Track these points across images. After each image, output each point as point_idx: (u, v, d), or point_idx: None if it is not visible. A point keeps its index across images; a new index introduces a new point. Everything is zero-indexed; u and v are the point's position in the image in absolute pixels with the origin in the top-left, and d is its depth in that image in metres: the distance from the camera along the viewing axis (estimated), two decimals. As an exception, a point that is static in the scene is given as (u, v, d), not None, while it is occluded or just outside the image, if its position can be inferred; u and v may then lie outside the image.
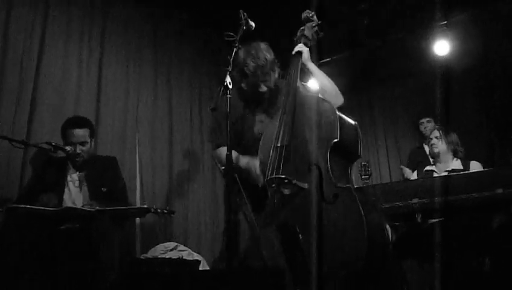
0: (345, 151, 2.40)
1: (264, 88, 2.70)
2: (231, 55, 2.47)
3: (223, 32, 2.57)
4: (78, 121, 3.38)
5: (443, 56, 5.19)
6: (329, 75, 5.77)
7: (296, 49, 2.73)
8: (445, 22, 5.09)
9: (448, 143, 3.81)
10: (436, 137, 3.87)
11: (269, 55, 2.66)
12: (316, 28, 2.84)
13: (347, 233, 2.11)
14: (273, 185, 2.31)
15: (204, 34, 5.30)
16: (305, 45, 2.77)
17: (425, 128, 4.98)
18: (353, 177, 2.55)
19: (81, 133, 3.30)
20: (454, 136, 3.86)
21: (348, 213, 2.15)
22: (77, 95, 4.03)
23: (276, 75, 2.75)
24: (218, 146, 2.78)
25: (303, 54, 2.70)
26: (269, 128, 2.57)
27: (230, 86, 2.32)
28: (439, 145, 3.82)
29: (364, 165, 4.11)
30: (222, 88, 2.31)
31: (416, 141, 5.86)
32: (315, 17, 2.85)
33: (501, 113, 5.14)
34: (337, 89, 2.76)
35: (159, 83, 4.82)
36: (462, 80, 5.64)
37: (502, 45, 5.15)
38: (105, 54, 4.34)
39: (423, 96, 5.95)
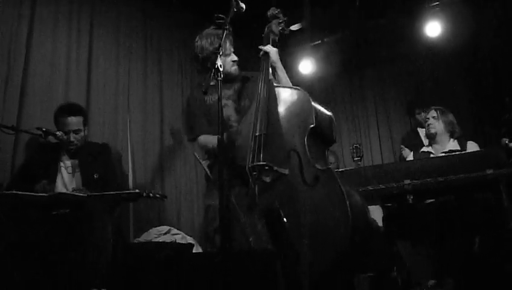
0: (322, 135, 2.49)
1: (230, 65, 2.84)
2: (221, 37, 2.46)
3: (214, 14, 2.56)
4: (72, 109, 3.34)
5: (434, 37, 5.18)
6: (321, 57, 5.77)
7: (264, 49, 2.76)
8: (437, 3, 5.08)
9: (445, 123, 3.79)
10: (433, 117, 3.84)
11: (205, 43, 2.84)
12: (283, 24, 2.89)
13: (331, 212, 2.16)
14: (254, 173, 2.35)
15: (195, 17, 5.25)
16: (273, 41, 2.82)
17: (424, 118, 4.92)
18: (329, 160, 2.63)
19: (74, 121, 3.28)
20: (451, 116, 3.84)
21: (330, 193, 2.20)
22: (67, 80, 3.99)
23: (233, 58, 2.88)
24: (196, 134, 2.86)
25: (271, 55, 2.75)
26: (245, 120, 2.63)
27: (221, 69, 2.32)
28: (436, 125, 3.80)
29: (356, 146, 4.12)
30: (213, 71, 2.31)
31: (407, 123, 5.89)
32: (281, 14, 2.90)
33: (491, 94, 5.15)
34: None
35: (150, 66, 4.78)
36: (453, 61, 5.65)
37: (493, 25, 5.15)
38: (94, 38, 4.29)
39: (414, 77, 5.96)
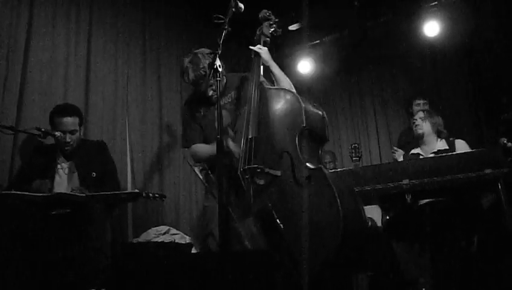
0: (313, 135, 2.49)
1: (210, 92, 2.81)
2: (220, 37, 2.46)
3: (213, 13, 2.56)
4: (67, 109, 3.34)
5: (433, 37, 5.19)
6: (320, 56, 5.77)
7: (254, 49, 2.78)
8: (435, 3, 5.08)
9: (432, 124, 3.80)
10: (420, 118, 3.86)
11: (208, 62, 2.72)
12: (274, 26, 2.90)
13: (322, 212, 2.16)
14: (247, 177, 2.36)
15: (194, 15, 5.25)
16: (265, 43, 2.83)
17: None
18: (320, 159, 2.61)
19: (70, 121, 3.27)
20: (438, 118, 3.85)
21: (321, 192, 2.21)
22: (66, 80, 3.98)
23: (224, 75, 2.81)
24: (189, 144, 2.89)
25: (262, 55, 2.75)
26: (238, 123, 2.64)
27: (220, 69, 2.32)
28: (424, 126, 3.81)
29: (355, 146, 4.12)
30: (212, 71, 2.31)
31: (406, 122, 5.88)
32: (272, 16, 2.91)
33: (490, 93, 5.16)
34: (291, 85, 2.82)
35: (148, 66, 4.78)
36: (452, 60, 5.64)
37: (491, 24, 5.15)
38: (93, 38, 4.29)
39: (413, 77, 5.95)
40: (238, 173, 2.40)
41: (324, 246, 2.10)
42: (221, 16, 2.54)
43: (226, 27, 2.50)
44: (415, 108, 4.92)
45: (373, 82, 6.44)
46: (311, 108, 2.53)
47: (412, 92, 5.42)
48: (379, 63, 6.29)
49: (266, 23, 2.88)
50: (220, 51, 2.40)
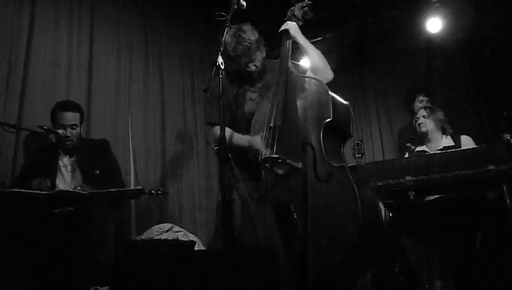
0: (338, 131, 2.42)
1: (252, 68, 2.73)
2: (223, 35, 2.45)
3: (214, 12, 2.55)
4: (68, 105, 3.38)
5: (436, 33, 5.17)
6: (322, 53, 5.76)
7: (282, 27, 2.72)
8: (438, -1, 5.07)
9: (435, 121, 3.79)
10: (423, 116, 3.83)
11: (253, 36, 2.70)
12: (306, 8, 2.82)
13: (341, 211, 2.13)
14: (267, 165, 2.32)
15: (195, 14, 5.24)
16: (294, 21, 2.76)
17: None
18: (345, 157, 2.56)
19: (71, 116, 3.30)
20: (440, 114, 3.83)
21: (342, 191, 2.16)
22: (68, 78, 3.99)
23: (263, 54, 2.80)
24: (213, 125, 2.76)
25: (290, 30, 2.70)
26: (261, 109, 2.58)
27: (222, 67, 2.32)
28: (427, 123, 3.80)
29: (357, 143, 4.12)
30: (214, 69, 2.31)
31: (408, 119, 5.86)
32: None
33: (492, 89, 5.14)
34: (327, 63, 2.75)
35: (150, 65, 4.78)
36: (454, 57, 5.63)
37: (493, 21, 5.13)
38: (95, 36, 4.29)
39: (415, 73, 5.94)
40: (259, 160, 2.35)
41: (338, 245, 2.08)
42: (224, 13, 2.53)
43: (228, 24, 2.50)
44: (418, 104, 4.89)
45: (375, 78, 6.42)
46: (338, 99, 2.44)
47: (414, 88, 5.41)
48: (381, 60, 6.27)
49: (298, 5, 2.80)
50: (222, 49, 2.39)
